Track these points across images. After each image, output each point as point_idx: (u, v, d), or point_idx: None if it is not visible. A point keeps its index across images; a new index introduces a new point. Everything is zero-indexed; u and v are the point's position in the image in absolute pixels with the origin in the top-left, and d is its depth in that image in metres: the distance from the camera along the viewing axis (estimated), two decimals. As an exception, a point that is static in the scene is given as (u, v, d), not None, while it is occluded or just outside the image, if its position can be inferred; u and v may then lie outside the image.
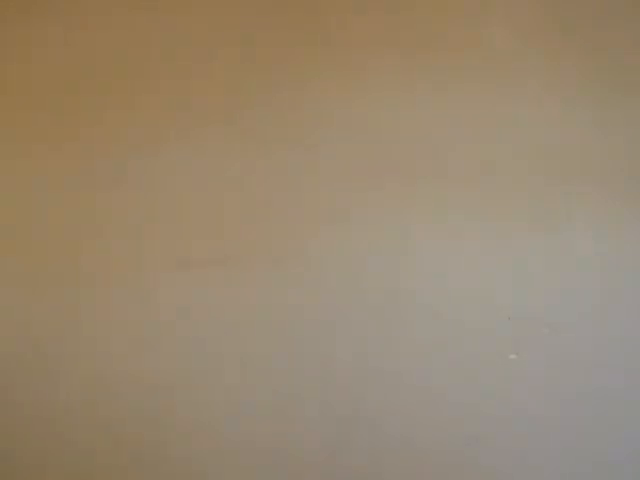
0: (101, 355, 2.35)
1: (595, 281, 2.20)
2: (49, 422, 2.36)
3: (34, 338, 2.38)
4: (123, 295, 2.35)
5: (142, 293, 2.33)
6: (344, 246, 2.34)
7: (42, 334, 2.37)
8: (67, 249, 2.37)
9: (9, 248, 2.39)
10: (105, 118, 2.35)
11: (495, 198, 2.24)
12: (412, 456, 2.24)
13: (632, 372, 2.19)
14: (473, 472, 2.28)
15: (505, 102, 2.23)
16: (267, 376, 2.30)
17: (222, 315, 2.32)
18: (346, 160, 2.32)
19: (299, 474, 2.38)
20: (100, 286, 2.36)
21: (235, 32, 2.30)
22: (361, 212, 2.32)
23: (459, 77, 2.24)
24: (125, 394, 2.34)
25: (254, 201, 2.21)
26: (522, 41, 2.21)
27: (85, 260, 2.37)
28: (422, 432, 2.28)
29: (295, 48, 2.12)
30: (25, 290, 2.39)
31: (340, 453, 2.35)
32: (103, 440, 2.36)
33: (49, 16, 2.37)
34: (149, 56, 2.33)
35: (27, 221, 2.39)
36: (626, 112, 2.18)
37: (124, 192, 2.33)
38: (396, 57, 2.26)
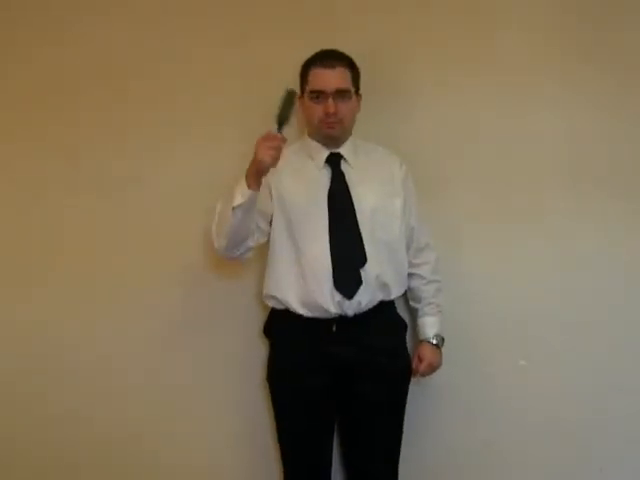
0: (108, 355, 2.36)
1: (595, 281, 2.20)
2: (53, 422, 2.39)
3: (36, 339, 2.39)
4: (125, 295, 2.35)
5: (143, 294, 2.33)
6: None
7: (45, 334, 2.38)
8: (67, 250, 2.38)
9: (9, 248, 2.40)
10: (107, 118, 2.35)
11: (495, 198, 2.24)
12: (420, 458, 2.24)
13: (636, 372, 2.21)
14: (481, 475, 2.30)
15: (511, 104, 2.23)
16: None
17: (220, 313, 2.33)
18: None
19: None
20: (101, 286, 2.37)
21: (236, 33, 2.29)
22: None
23: (471, 81, 2.24)
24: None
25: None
26: (533, 46, 2.22)
27: (85, 260, 2.37)
28: (428, 434, 2.27)
29: (296, 48, 2.11)
30: (26, 290, 2.40)
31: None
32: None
33: (50, 16, 2.36)
34: (154, 57, 2.32)
35: (27, 221, 2.39)
36: (629, 112, 2.19)
37: (128, 193, 2.33)
38: (398, 59, 2.26)
